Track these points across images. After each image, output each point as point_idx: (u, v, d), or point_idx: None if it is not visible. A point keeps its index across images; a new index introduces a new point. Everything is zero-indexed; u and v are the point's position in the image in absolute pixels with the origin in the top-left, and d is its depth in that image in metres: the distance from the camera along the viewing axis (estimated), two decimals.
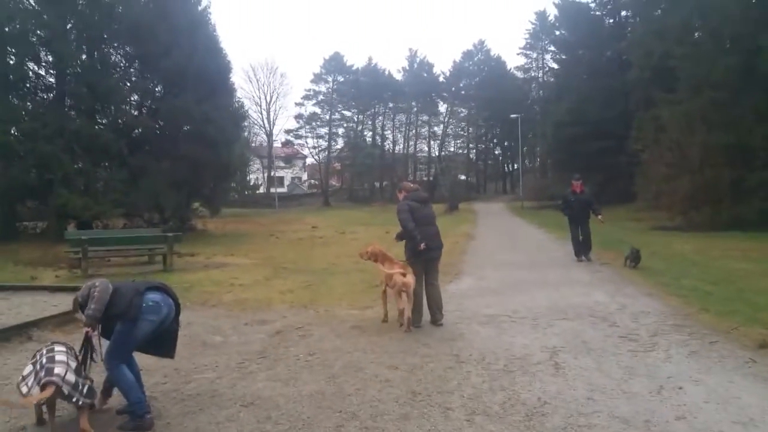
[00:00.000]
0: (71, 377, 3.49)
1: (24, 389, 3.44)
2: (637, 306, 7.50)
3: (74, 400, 3.48)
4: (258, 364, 5.27)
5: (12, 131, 17.64)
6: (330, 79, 68.27)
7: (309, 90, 68.45)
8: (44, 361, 3.53)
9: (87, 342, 3.92)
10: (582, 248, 12.22)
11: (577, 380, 4.59)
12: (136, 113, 22.29)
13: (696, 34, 22.66)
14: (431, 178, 68.71)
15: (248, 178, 54.37)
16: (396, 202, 7.21)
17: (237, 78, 68.74)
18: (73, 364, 3.63)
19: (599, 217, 12.10)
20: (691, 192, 20.25)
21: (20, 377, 3.60)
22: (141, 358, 5.34)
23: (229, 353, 5.69)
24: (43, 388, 3.37)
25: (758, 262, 11.16)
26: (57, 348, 3.71)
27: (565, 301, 7.87)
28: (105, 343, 4.03)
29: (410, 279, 6.40)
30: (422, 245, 6.42)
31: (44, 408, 3.64)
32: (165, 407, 4.22)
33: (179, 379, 4.91)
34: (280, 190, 65.07)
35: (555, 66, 53.32)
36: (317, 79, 68.37)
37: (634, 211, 26.84)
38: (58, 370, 3.45)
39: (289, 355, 5.56)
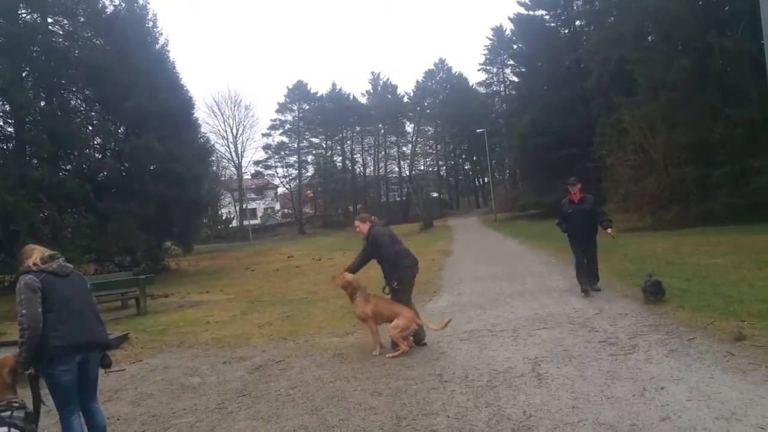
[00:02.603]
0: None
1: None
2: (615, 309, 7.58)
3: None
4: (238, 403, 5.14)
5: None
6: (295, 107, 68.46)
7: (275, 120, 68.53)
8: None
9: (34, 390, 3.67)
10: (587, 276, 8.95)
11: (560, 390, 4.58)
12: (99, 156, 21.94)
13: (649, 38, 23.40)
14: (404, 198, 69.05)
15: (220, 212, 53.72)
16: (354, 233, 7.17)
17: (201, 113, 68.37)
18: None
19: (609, 231, 8.82)
20: (658, 192, 20.70)
21: None
22: (118, 407, 5.19)
23: (208, 394, 5.53)
24: None
25: (728, 255, 11.41)
26: None
27: (544, 310, 7.91)
28: None
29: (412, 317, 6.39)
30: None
31: None
32: None
33: (158, 425, 4.76)
34: (253, 221, 64.49)
35: (515, 79, 54.29)
36: (282, 108, 68.54)
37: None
38: None
39: (270, 391, 5.43)
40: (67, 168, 20.63)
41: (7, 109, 19.66)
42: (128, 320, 10.80)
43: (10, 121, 20.30)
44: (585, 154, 31.21)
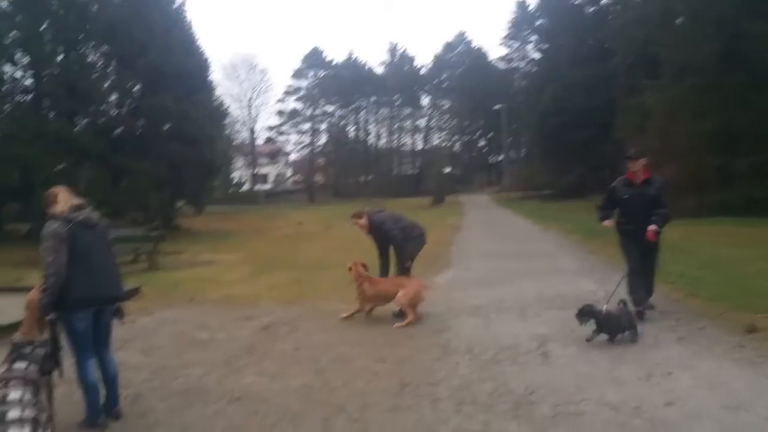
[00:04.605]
0: None
1: None
2: (624, 294, 7.51)
3: None
4: (245, 360, 5.22)
5: None
6: (311, 74, 67.78)
7: (290, 86, 67.86)
8: None
9: (52, 333, 3.74)
10: (641, 286, 6.30)
11: (565, 368, 4.59)
12: (115, 113, 22.03)
13: (677, 20, 22.71)
14: (416, 172, 68.73)
15: (232, 175, 53.92)
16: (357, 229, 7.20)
17: (217, 75, 68.14)
18: (30, 413, 3.33)
19: (651, 228, 5.95)
20: (677, 179, 20.35)
21: None
22: (128, 356, 5.29)
23: (216, 349, 5.63)
24: None
25: (745, 247, 11.19)
26: (11, 395, 3.37)
27: (553, 291, 7.87)
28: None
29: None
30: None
31: None
32: (152, 404, 4.18)
33: (167, 375, 4.86)
34: (264, 187, 64.62)
35: (537, 56, 53.25)
36: (298, 74, 67.85)
37: None
38: None
39: (276, 350, 5.51)
40: (83, 123, 20.74)
41: (26, 61, 19.69)
42: (140, 275, 10.93)
43: (28, 73, 20.35)
44: (604, 136, 30.73)
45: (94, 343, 3.85)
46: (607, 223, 6.48)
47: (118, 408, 4.00)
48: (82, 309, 3.70)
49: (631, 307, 5.75)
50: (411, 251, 6.80)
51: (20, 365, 3.52)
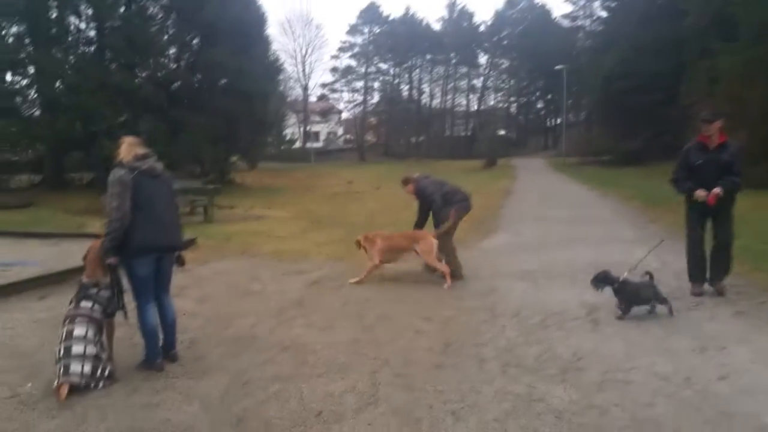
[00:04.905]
0: (88, 368, 3.52)
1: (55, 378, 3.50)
2: (681, 264, 7.21)
3: (92, 386, 3.53)
4: (295, 312, 5.38)
5: (57, 85, 18.00)
6: (366, 30, 66.90)
7: (345, 42, 67.40)
8: (62, 352, 3.54)
9: (113, 277, 3.93)
10: (706, 266, 5.90)
11: (614, 336, 4.51)
12: (174, 66, 22.46)
13: None
14: (469, 134, 67.55)
15: (284, 132, 54.47)
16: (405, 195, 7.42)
17: (272, 30, 68.32)
18: (92, 350, 3.60)
19: (715, 190, 5.43)
20: (748, 147, 19.19)
21: (55, 351, 3.63)
22: (184, 303, 5.52)
23: (268, 300, 5.81)
24: (61, 386, 3.43)
25: None
26: (77, 330, 3.63)
27: (608, 259, 7.62)
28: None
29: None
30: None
31: None
32: (207, 349, 4.37)
33: (220, 323, 5.05)
34: (315, 144, 65.07)
35: (604, 14, 50.49)
36: (353, 30, 67.15)
37: None
38: (75, 368, 3.48)
39: (325, 304, 5.64)
40: (143, 75, 21.27)
41: (90, 13, 20.20)
42: (196, 226, 11.31)
43: (92, 25, 20.90)
44: (671, 101, 29.24)
45: (154, 288, 4.02)
46: (701, 192, 5.50)
47: (175, 351, 4.20)
48: (144, 255, 3.84)
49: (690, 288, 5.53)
50: (457, 211, 6.77)
51: (86, 304, 3.75)
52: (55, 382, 3.48)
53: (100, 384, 3.58)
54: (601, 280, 5.06)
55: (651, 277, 5.04)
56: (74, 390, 3.48)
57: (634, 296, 4.96)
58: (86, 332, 3.62)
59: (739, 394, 3.44)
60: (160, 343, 4.06)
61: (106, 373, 3.63)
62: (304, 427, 3.10)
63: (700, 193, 5.47)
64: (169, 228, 3.99)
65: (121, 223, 3.69)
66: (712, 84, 21.13)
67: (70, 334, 3.60)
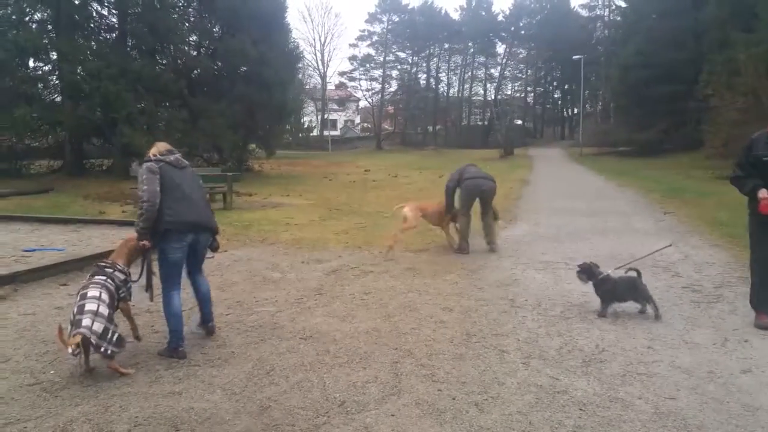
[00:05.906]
0: (99, 326, 3.55)
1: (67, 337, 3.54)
2: (702, 257, 7.22)
3: (102, 349, 3.53)
4: (315, 300, 5.42)
5: (78, 71, 18.18)
6: (385, 18, 66.55)
7: (363, 30, 67.20)
8: (75, 310, 3.62)
9: (144, 260, 4.10)
10: None
11: (637, 329, 4.50)
12: (195, 54, 22.55)
13: None
14: (486, 123, 67.07)
15: (302, 120, 54.57)
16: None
17: (292, 18, 68.15)
18: (104, 310, 3.65)
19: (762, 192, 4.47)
20: None
21: (71, 315, 3.70)
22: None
23: (288, 289, 5.87)
24: (73, 336, 3.49)
25: None
26: (90, 292, 3.71)
27: (627, 251, 7.61)
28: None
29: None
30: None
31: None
32: (229, 337, 4.43)
33: (242, 311, 5.12)
34: (333, 133, 65.10)
35: (623, 4, 49.67)
36: (372, 18, 66.85)
37: (701, 159, 25.53)
38: (86, 321, 3.52)
39: (345, 293, 5.68)
40: (164, 62, 21.41)
41: (112, 0, 20.35)
42: (216, 213, 11.38)
43: (114, 11, 21.04)
44: (688, 93, 28.78)
45: (189, 269, 4.23)
46: (764, 193, 4.36)
47: (212, 324, 4.40)
48: (177, 237, 3.95)
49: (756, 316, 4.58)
50: (462, 201, 7.73)
51: (100, 278, 3.86)
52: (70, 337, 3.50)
53: (109, 349, 3.55)
54: (585, 272, 5.02)
55: (639, 275, 4.85)
56: (89, 348, 3.48)
57: (610, 294, 4.86)
58: (100, 294, 3.72)
59: (763, 387, 3.43)
60: (197, 320, 4.33)
61: (115, 337, 3.63)
62: (327, 417, 3.11)
63: (764, 194, 4.37)
64: (199, 207, 4.13)
65: (152, 204, 3.84)
66: (732, 75, 20.77)
67: (84, 295, 3.70)
